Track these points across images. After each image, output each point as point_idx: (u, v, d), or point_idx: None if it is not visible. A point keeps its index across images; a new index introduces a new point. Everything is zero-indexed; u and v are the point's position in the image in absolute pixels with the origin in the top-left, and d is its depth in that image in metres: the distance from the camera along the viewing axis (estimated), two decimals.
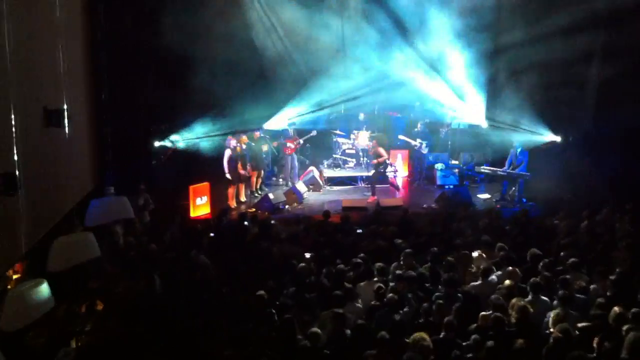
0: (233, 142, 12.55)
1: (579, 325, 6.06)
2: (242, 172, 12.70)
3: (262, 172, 13.73)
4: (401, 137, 14.70)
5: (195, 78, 14.51)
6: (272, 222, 10.19)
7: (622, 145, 11.74)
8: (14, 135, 6.96)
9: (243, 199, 13.16)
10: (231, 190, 12.71)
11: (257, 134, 13.50)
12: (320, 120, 15.56)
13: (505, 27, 14.39)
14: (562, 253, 8.22)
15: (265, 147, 13.61)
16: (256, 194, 13.41)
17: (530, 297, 6.72)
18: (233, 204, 12.73)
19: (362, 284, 7.35)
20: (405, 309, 6.67)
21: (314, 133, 14.63)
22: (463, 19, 14.20)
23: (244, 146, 12.81)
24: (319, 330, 5.97)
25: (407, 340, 5.65)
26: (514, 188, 13.01)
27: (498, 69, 14.78)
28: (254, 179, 13.54)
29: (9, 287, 7.50)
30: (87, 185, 9.78)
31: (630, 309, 6.10)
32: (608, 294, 6.93)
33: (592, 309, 6.44)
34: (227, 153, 12.49)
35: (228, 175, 12.53)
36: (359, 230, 9.88)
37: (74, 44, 9.29)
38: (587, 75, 12.44)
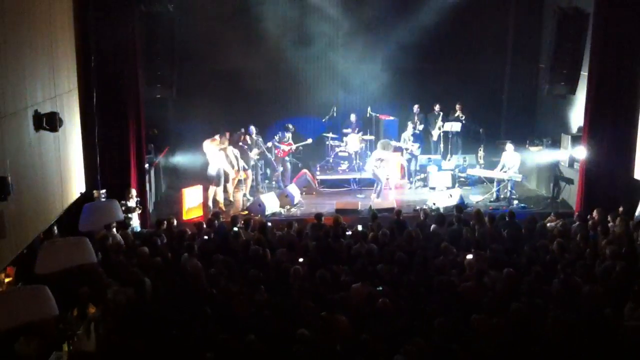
0: (216, 142, 12.48)
1: None
2: (232, 171, 12.66)
3: (253, 174, 13.68)
4: (393, 142, 14.69)
5: (190, 83, 14.52)
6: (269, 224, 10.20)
7: (613, 149, 11.73)
8: (4, 139, 6.94)
9: (219, 198, 12.85)
10: (211, 191, 12.59)
11: (248, 136, 13.46)
12: (313, 123, 15.58)
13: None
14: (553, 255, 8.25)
15: (256, 150, 13.55)
16: (248, 197, 13.34)
17: None
18: (209, 205, 12.60)
19: (355, 285, 7.33)
20: (398, 314, 6.66)
21: (309, 141, 14.66)
22: None
23: (231, 147, 12.78)
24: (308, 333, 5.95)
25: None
26: (506, 190, 13.05)
27: None
28: (247, 182, 13.50)
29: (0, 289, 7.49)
30: (77, 190, 9.73)
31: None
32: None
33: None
34: (213, 152, 12.45)
35: (213, 173, 12.42)
36: (348, 232, 9.89)
37: (64, 47, 9.26)
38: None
